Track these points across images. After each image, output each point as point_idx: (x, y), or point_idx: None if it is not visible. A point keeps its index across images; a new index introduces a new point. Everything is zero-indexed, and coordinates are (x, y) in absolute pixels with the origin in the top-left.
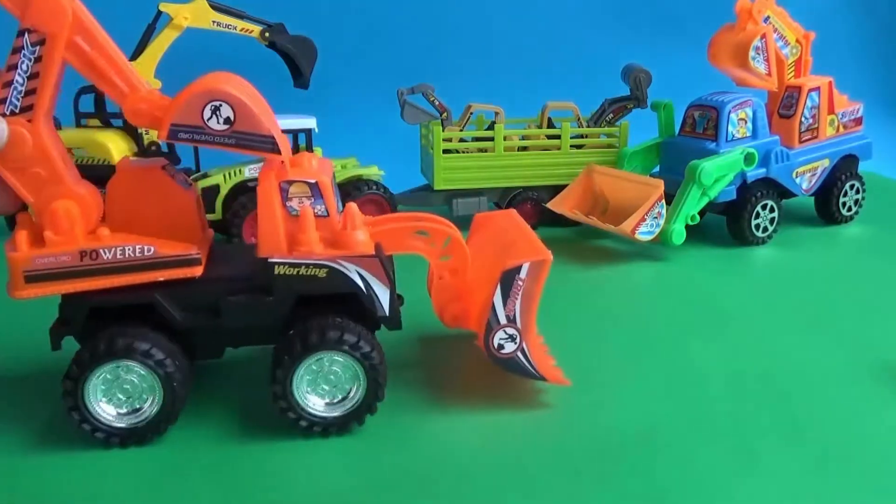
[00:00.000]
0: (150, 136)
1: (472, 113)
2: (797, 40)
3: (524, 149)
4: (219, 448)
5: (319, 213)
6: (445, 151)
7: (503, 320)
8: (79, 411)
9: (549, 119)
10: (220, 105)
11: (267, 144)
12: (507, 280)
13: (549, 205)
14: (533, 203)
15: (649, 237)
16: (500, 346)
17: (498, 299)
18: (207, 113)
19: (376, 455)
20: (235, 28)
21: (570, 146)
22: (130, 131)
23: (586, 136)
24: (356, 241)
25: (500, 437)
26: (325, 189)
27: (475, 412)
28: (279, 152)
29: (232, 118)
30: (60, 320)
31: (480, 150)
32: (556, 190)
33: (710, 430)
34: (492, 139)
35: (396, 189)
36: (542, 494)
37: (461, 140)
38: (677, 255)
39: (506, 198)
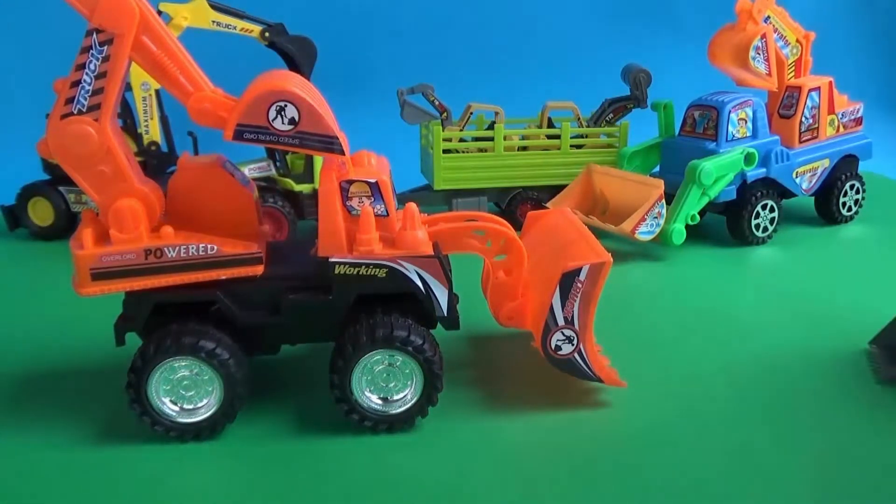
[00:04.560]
0: (150, 136)
1: (472, 113)
2: (797, 40)
3: (524, 149)
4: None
5: (379, 212)
6: (445, 151)
7: (561, 322)
8: (140, 404)
9: (549, 119)
10: (286, 105)
11: (331, 145)
12: (567, 282)
13: (549, 205)
14: (533, 203)
15: (649, 237)
16: (558, 348)
17: (556, 301)
18: (272, 113)
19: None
20: (235, 28)
21: (570, 146)
22: (130, 131)
23: (586, 136)
24: (415, 241)
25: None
26: (385, 189)
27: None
28: (343, 153)
29: (297, 119)
30: (124, 316)
31: (480, 150)
32: (556, 190)
33: (709, 430)
34: (492, 139)
35: (397, 189)
36: (551, 494)
37: (461, 140)
38: (677, 255)
39: (506, 198)
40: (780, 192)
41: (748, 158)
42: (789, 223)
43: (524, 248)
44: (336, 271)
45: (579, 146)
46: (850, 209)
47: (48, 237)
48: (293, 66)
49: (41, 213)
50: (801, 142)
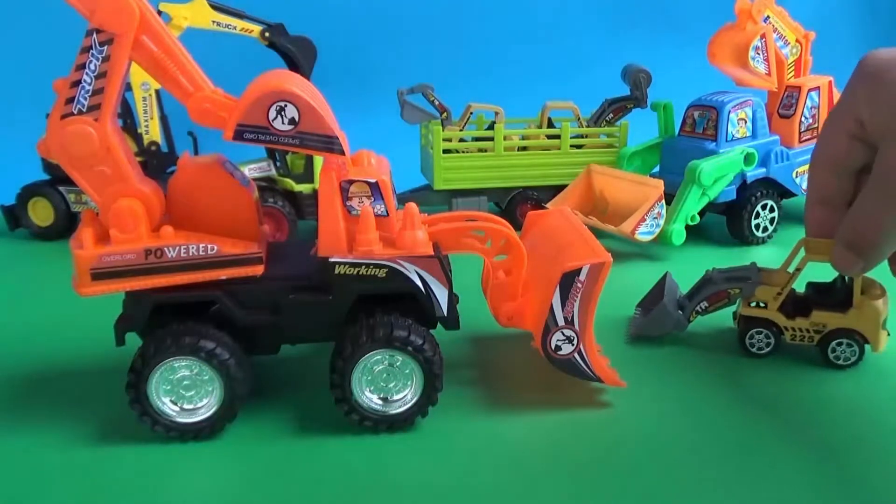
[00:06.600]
0: (150, 136)
1: (472, 113)
2: (797, 40)
3: (524, 149)
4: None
5: (379, 212)
6: (445, 151)
7: (561, 322)
8: (140, 404)
9: (549, 119)
10: (286, 105)
11: (331, 145)
12: (567, 282)
13: (549, 205)
14: (533, 203)
15: (649, 237)
16: (558, 348)
17: (556, 301)
18: (272, 113)
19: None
20: (235, 28)
21: (570, 146)
22: (130, 131)
23: (586, 136)
24: (415, 241)
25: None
26: (385, 189)
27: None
28: (343, 153)
29: (297, 119)
30: (124, 316)
31: (480, 150)
32: (556, 190)
33: (709, 430)
34: (492, 139)
35: (397, 189)
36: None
37: (461, 140)
38: (677, 255)
39: (506, 198)
40: (780, 192)
41: (748, 158)
42: (789, 223)
43: (524, 249)
44: (336, 271)
45: (579, 146)
46: None
47: (48, 237)
48: (293, 66)
49: (41, 213)
50: (800, 141)
